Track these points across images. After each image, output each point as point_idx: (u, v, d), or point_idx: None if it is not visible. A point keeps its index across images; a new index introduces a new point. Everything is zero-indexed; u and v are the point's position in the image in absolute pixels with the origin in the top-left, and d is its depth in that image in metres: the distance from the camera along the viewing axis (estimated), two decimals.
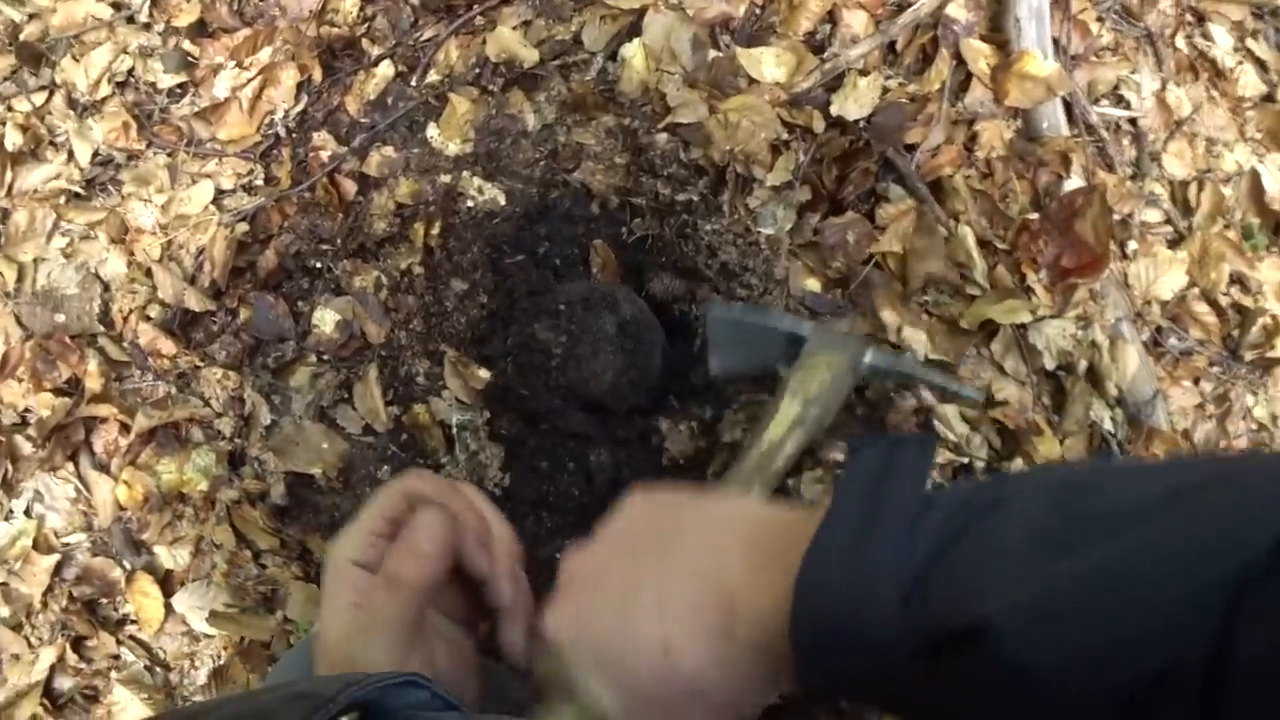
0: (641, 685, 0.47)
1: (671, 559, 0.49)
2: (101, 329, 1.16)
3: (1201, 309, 1.17)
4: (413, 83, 1.21)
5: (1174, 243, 1.20)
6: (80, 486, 1.13)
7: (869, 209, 1.11)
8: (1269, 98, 1.30)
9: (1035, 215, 1.07)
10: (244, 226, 1.16)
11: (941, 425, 1.02)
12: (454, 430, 1.11)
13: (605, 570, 0.51)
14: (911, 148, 1.12)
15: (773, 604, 0.42)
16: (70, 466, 1.14)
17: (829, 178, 1.12)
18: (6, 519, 1.13)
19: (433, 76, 1.21)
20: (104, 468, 1.14)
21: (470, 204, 1.19)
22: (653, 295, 1.14)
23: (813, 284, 1.09)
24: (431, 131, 1.20)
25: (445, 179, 1.19)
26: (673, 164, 1.16)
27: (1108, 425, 1.07)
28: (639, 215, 1.19)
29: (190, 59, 1.22)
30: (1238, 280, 1.19)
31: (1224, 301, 1.18)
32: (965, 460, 1.02)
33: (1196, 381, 1.15)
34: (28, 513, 1.14)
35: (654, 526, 0.52)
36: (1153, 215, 1.19)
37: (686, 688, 0.46)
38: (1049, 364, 1.04)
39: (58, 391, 1.14)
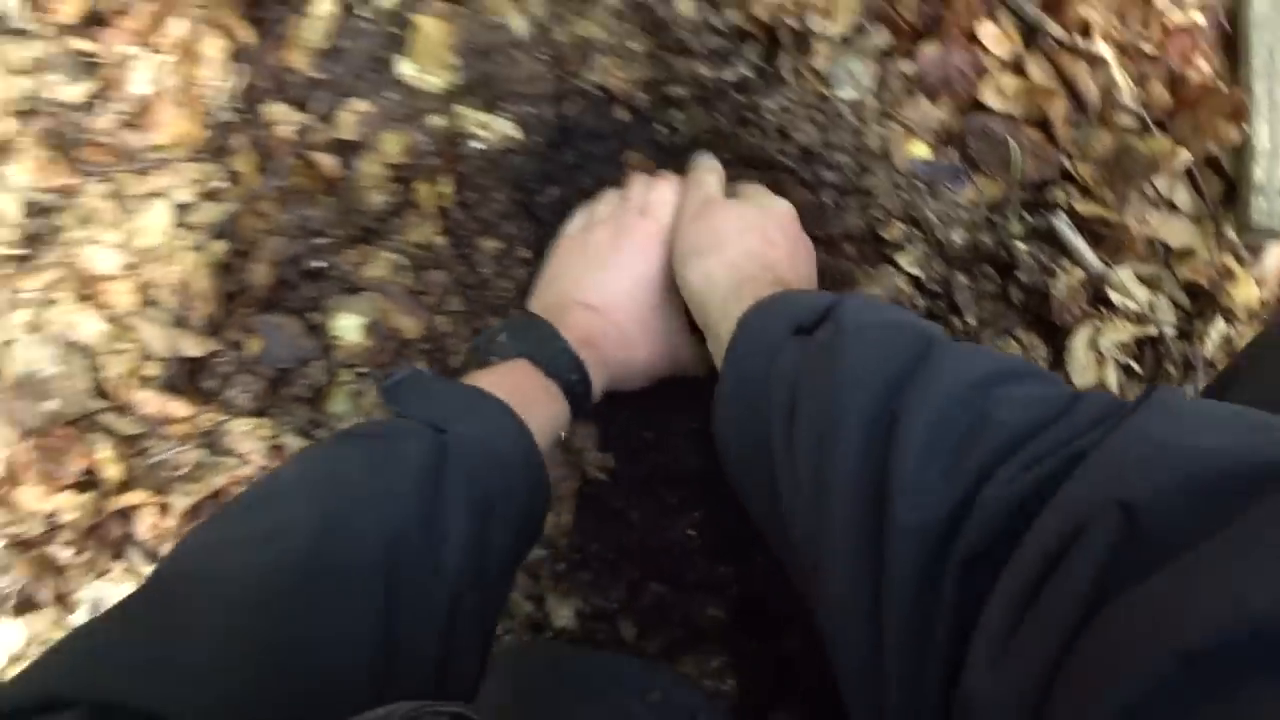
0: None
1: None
2: (101, 403, 0.98)
3: None
4: (363, 13, 0.97)
5: None
6: (139, 583, 0.99)
7: (968, 28, 0.87)
8: None
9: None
10: (219, 245, 0.95)
11: (1118, 294, 0.82)
12: None
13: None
14: None
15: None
16: (121, 564, 0.99)
17: (908, 7, 0.87)
18: None
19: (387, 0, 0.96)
20: (156, 557, 0.99)
21: (478, 145, 0.96)
22: None
23: (919, 149, 0.86)
24: (404, 68, 0.96)
25: (439, 121, 0.96)
26: (706, 35, 0.92)
27: None
28: (679, 107, 0.96)
29: (92, 59, 0.98)
30: None
31: None
32: (1154, 332, 0.82)
33: None
34: None
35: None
36: None
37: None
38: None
39: (78, 487, 0.98)
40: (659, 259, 0.82)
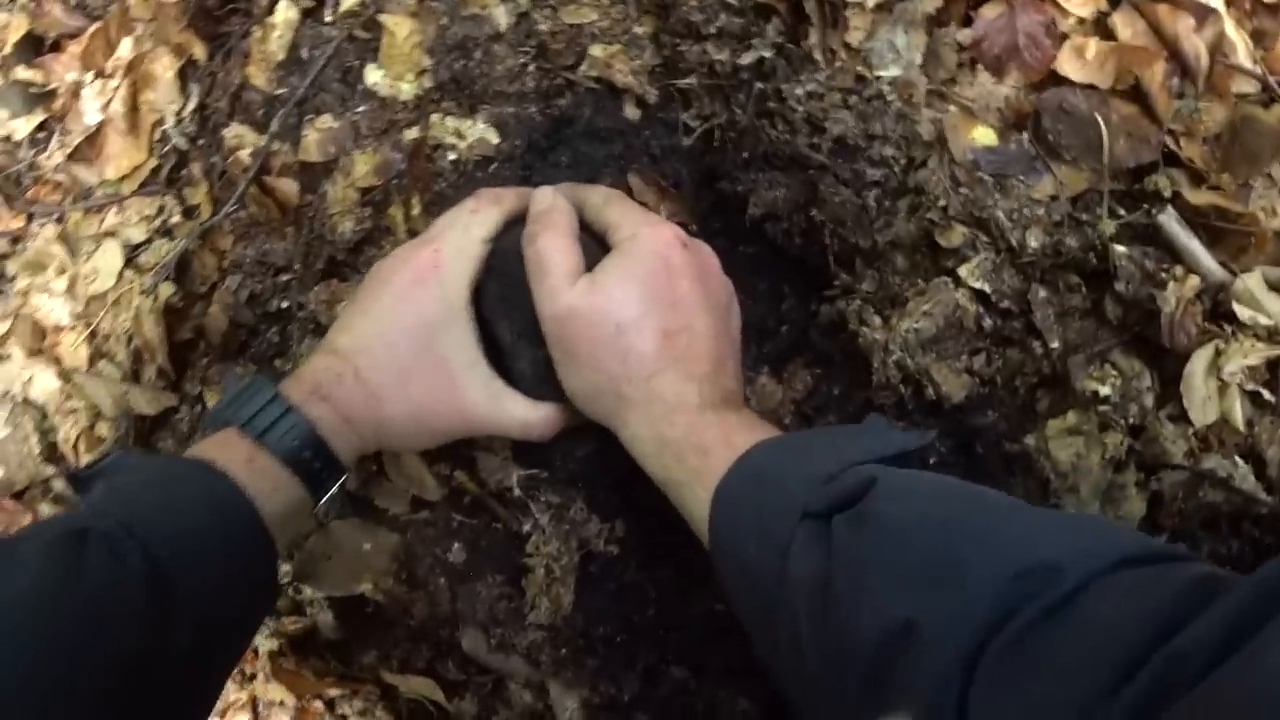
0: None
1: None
2: (51, 469, 0.88)
3: None
4: (326, 19, 0.85)
5: None
6: None
7: None
8: None
9: None
10: (169, 287, 0.84)
11: (1244, 306, 0.64)
12: (514, 491, 0.79)
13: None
14: None
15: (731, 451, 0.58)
16: None
17: None
18: None
19: (349, 1, 0.84)
20: None
21: (453, 156, 0.83)
22: (756, 221, 0.78)
23: (984, 134, 0.70)
24: (373, 76, 0.84)
25: (411, 134, 0.84)
26: (719, 14, 0.78)
27: None
28: (694, 102, 0.82)
29: (38, 88, 0.89)
30: None
31: None
32: None
33: None
34: None
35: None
36: None
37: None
38: None
39: None
40: (432, 296, 0.68)
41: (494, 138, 0.83)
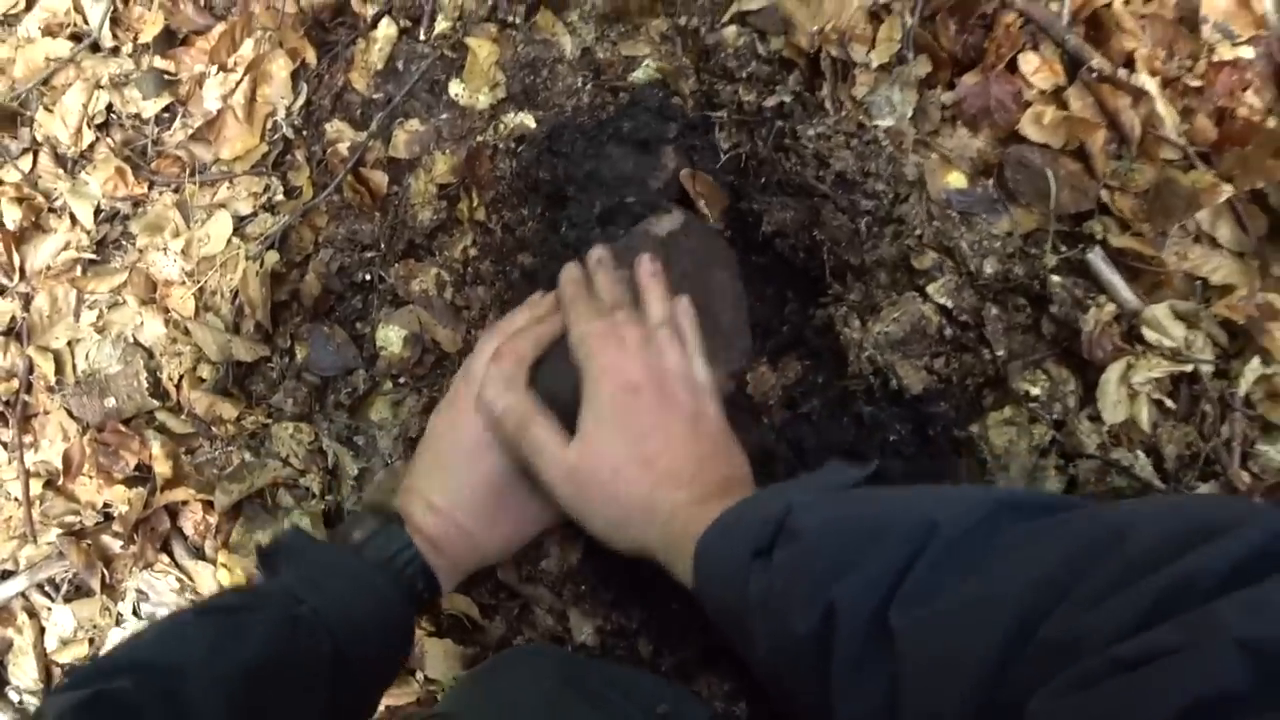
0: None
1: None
2: (156, 403, 1.03)
3: None
4: (421, 37, 1.01)
5: None
6: (182, 577, 1.03)
7: (1010, 59, 0.87)
8: None
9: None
10: (274, 255, 1.00)
11: (1153, 331, 0.80)
12: None
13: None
14: None
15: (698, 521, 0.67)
16: (165, 558, 1.03)
17: (948, 37, 0.87)
18: (118, 624, 1.05)
19: (442, 24, 1.00)
20: (199, 552, 1.03)
21: (499, 145, 0.98)
22: (768, 236, 0.93)
23: (956, 178, 0.86)
24: (455, 89, 1.00)
25: (480, 138, 0.99)
26: (750, 62, 0.93)
27: None
28: (723, 129, 0.97)
29: (168, 76, 1.04)
30: None
31: None
32: (1189, 369, 0.79)
33: None
34: (136, 613, 1.04)
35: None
36: None
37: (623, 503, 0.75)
38: None
39: (129, 482, 1.03)
40: (500, 453, 0.82)
41: (531, 123, 0.96)
